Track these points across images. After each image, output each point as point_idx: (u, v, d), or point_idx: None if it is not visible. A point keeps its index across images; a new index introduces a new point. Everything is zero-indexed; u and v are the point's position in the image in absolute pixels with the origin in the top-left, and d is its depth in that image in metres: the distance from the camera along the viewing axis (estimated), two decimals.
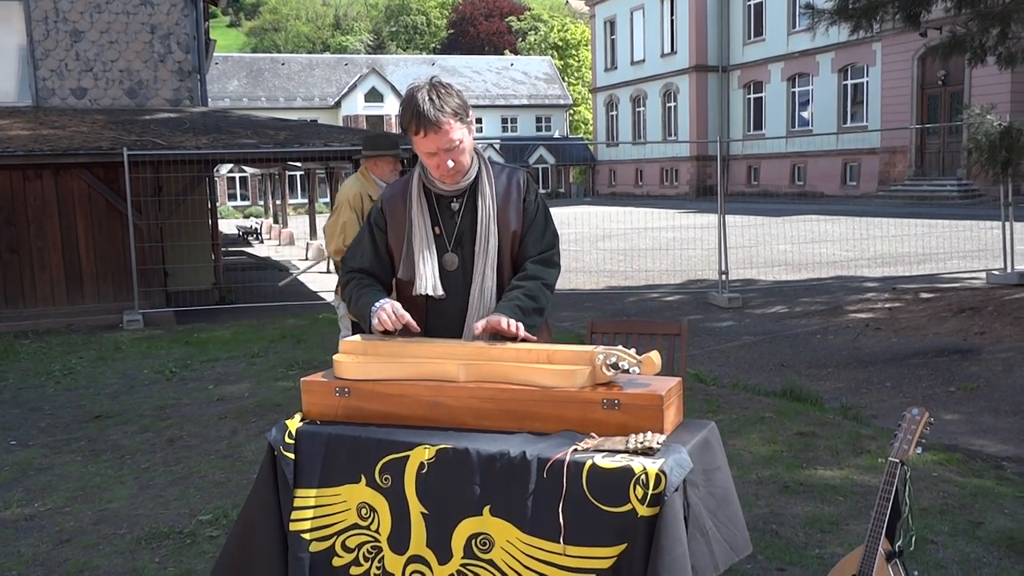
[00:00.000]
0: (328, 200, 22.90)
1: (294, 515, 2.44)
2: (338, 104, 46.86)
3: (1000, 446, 5.06)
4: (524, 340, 2.53)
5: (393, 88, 46.56)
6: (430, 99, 2.50)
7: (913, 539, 2.68)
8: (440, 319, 2.71)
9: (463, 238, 2.69)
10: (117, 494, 4.67)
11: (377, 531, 2.38)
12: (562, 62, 61.01)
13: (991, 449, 4.99)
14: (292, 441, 2.46)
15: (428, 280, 2.64)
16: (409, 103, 2.53)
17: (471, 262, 2.68)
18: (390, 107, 46.35)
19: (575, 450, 2.17)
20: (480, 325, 2.53)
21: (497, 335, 2.53)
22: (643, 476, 2.06)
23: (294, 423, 2.50)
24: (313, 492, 2.43)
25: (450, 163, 2.57)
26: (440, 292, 2.65)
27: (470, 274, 2.68)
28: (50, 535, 4.15)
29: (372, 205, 4.86)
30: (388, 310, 2.59)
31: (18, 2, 11.99)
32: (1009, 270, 10.60)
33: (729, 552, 2.32)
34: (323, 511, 2.43)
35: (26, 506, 4.55)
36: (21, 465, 5.25)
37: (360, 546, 2.40)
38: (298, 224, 27.74)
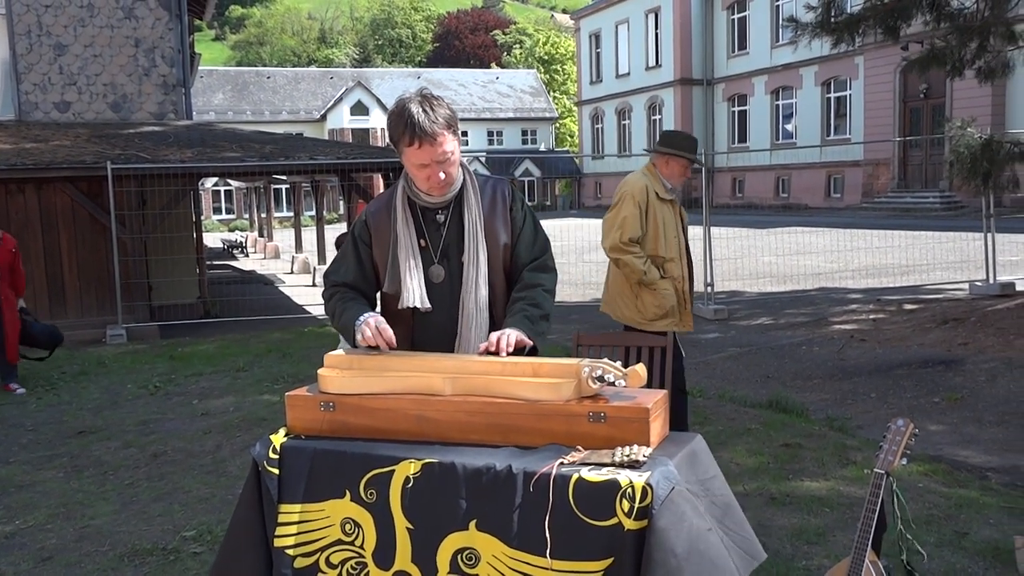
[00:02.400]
0: (313, 213, 22.83)
1: (278, 531, 2.42)
2: (323, 117, 46.87)
3: (984, 456, 5.09)
4: (522, 350, 2.54)
5: (379, 101, 46.60)
6: (423, 111, 2.50)
7: (913, 548, 2.69)
8: (427, 332, 2.70)
9: (449, 250, 2.68)
10: (100, 511, 4.62)
11: (362, 547, 2.36)
12: (547, 75, 61.29)
13: (976, 460, 5.02)
14: (276, 456, 2.44)
15: (414, 293, 2.63)
16: (401, 114, 2.52)
17: (458, 274, 2.67)
18: (376, 120, 46.38)
19: (561, 463, 2.17)
20: (487, 346, 2.52)
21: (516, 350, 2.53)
22: (629, 489, 2.06)
23: (279, 438, 2.49)
24: (297, 507, 2.41)
25: (442, 175, 2.57)
26: (427, 305, 2.64)
27: (457, 286, 2.67)
28: (31, 553, 4.10)
29: (655, 203, 4.71)
30: (372, 324, 2.58)
31: (1, 16, 11.93)
32: (991, 281, 10.68)
33: (747, 559, 2.29)
34: (307, 527, 2.41)
35: (7, 523, 4.50)
36: (2, 482, 5.20)
37: (344, 562, 2.39)
38: (283, 237, 27.69)
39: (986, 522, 3.95)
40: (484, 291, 2.66)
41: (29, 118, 12.09)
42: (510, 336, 2.51)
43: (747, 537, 2.34)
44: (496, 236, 2.68)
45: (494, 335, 2.53)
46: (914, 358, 7.65)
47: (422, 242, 2.68)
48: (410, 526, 2.29)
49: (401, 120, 2.51)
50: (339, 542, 2.39)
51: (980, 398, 6.27)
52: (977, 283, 10.94)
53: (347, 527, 2.37)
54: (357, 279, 2.76)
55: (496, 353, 2.48)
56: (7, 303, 7.67)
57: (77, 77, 12.23)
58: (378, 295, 2.81)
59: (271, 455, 2.44)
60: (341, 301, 2.72)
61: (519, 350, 2.54)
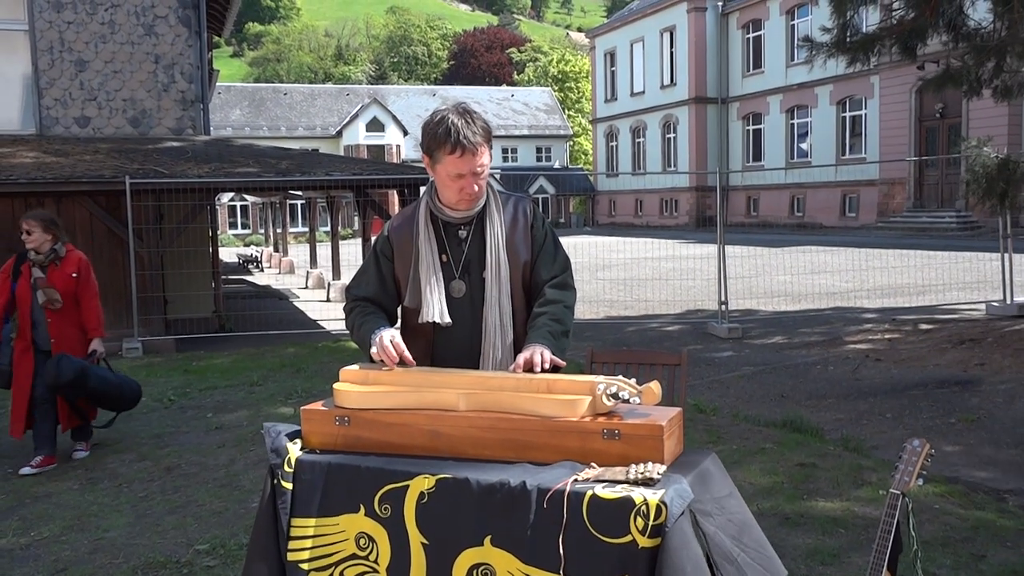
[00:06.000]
0: (328, 229, 22.84)
1: (292, 545, 2.43)
2: (339, 133, 47.15)
3: (1002, 478, 5.04)
4: (555, 368, 2.53)
5: (394, 118, 46.85)
6: (466, 122, 2.54)
7: (929, 571, 2.66)
8: (447, 347, 2.71)
9: (471, 266, 2.69)
10: (114, 523, 4.64)
11: (376, 561, 2.36)
12: (562, 93, 61.48)
13: (993, 482, 4.97)
14: (291, 470, 2.45)
15: (435, 307, 2.65)
16: (440, 123, 2.55)
17: (479, 290, 2.68)
18: (391, 137, 46.60)
19: (575, 480, 2.16)
20: (520, 363, 2.51)
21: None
22: (643, 507, 2.05)
23: (293, 452, 2.49)
24: (312, 522, 2.42)
25: (475, 187, 2.60)
26: (447, 319, 2.66)
27: (478, 301, 2.68)
28: (46, 565, 4.11)
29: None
30: (386, 341, 2.59)
31: (24, 32, 12.10)
32: (1008, 301, 10.60)
33: None
34: (322, 541, 2.41)
35: (22, 535, 4.52)
36: (17, 493, 5.22)
37: None
38: (298, 253, 27.79)
39: (1003, 545, 3.91)
40: (508, 306, 2.67)
41: (50, 133, 12.22)
42: (544, 353, 2.51)
43: (766, 555, 2.31)
44: (517, 253, 2.70)
45: (525, 353, 2.52)
46: (930, 378, 7.59)
47: (443, 257, 2.70)
48: (425, 541, 2.29)
49: (443, 129, 2.54)
50: (354, 556, 2.39)
51: (997, 419, 6.21)
52: (994, 303, 10.86)
53: (361, 542, 2.37)
54: (378, 293, 2.78)
55: (531, 371, 2.48)
56: (62, 344, 5.66)
57: (97, 92, 12.37)
58: (399, 309, 2.82)
59: (285, 469, 2.45)
60: (361, 315, 2.75)
61: (552, 368, 2.53)
